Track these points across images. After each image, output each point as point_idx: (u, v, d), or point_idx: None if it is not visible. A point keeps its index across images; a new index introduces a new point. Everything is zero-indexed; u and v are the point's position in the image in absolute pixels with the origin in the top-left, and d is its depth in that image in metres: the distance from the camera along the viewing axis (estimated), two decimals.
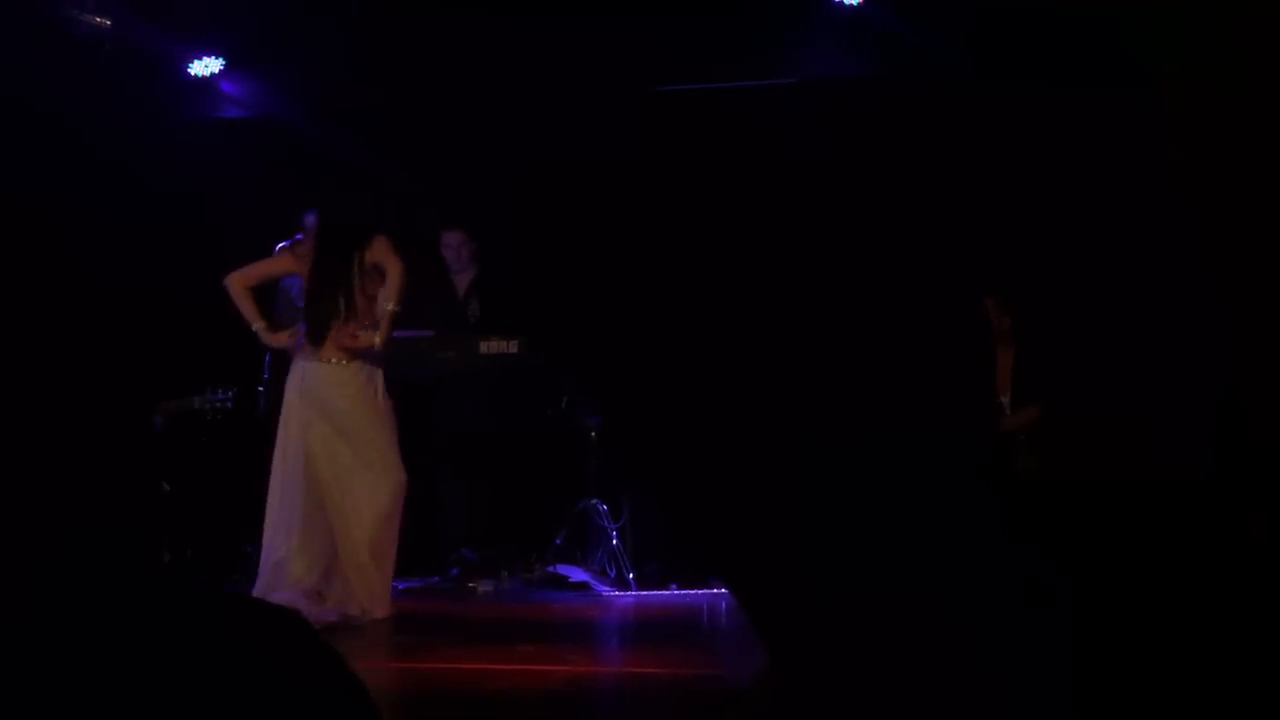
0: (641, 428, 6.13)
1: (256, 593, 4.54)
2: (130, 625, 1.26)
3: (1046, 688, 2.44)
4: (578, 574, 6.10)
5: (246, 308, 4.86)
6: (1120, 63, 4.87)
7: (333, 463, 4.65)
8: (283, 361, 6.10)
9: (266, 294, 6.08)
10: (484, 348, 6.16)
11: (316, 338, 4.73)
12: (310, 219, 5.96)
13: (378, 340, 4.77)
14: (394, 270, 4.79)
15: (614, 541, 6.09)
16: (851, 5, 6.18)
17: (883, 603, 2.95)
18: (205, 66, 6.60)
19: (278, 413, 5.66)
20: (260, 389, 6.14)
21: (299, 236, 5.57)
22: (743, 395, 6.00)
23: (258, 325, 4.89)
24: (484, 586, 6.05)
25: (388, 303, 4.78)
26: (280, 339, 4.95)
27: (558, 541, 6.20)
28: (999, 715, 2.31)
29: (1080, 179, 5.62)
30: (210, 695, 1.25)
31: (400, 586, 5.49)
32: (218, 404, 5.85)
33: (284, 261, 4.96)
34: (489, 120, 6.63)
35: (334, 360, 4.73)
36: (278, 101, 6.71)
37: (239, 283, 4.88)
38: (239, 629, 1.31)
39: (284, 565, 4.55)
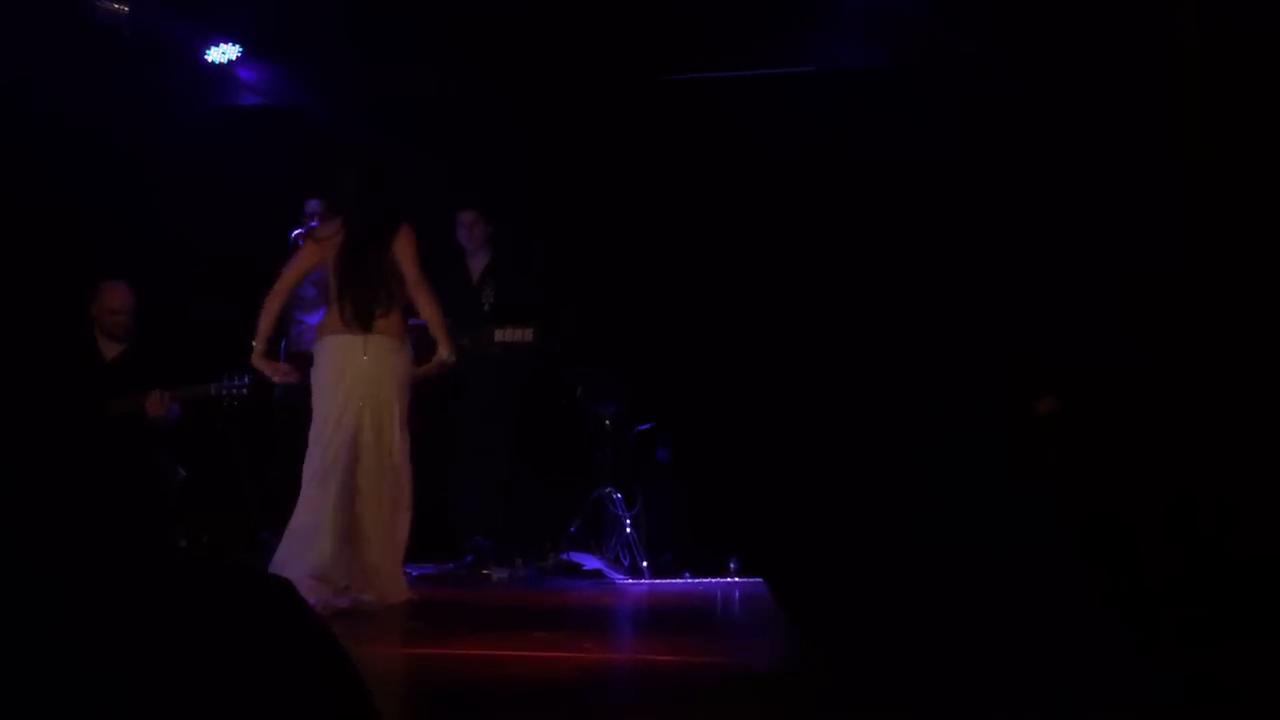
0: (672, 414, 6.13)
1: (275, 562, 4.54)
2: (119, 592, 1.26)
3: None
4: (591, 562, 6.11)
5: (265, 325, 4.84)
6: (1141, 58, 4.85)
7: (373, 441, 4.64)
8: (295, 351, 6.14)
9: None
10: (499, 336, 6.16)
11: (363, 326, 4.71)
12: (313, 204, 5.96)
13: (445, 354, 4.86)
14: (412, 269, 4.77)
15: (628, 530, 6.09)
16: None
17: (909, 588, 2.95)
18: (223, 53, 6.60)
19: (293, 399, 5.70)
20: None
21: (314, 224, 5.58)
22: (767, 383, 5.99)
23: (258, 345, 4.87)
24: (498, 574, 6.06)
25: (429, 311, 4.83)
26: (268, 368, 4.92)
27: (571, 530, 6.21)
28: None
29: (1096, 171, 5.59)
30: (193, 663, 1.25)
31: (414, 573, 5.50)
32: (234, 390, 5.86)
33: (311, 255, 4.93)
34: (505, 107, 6.64)
35: (389, 336, 4.72)
36: (295, 89, 6.72)
37: (278, 299, 4.88)
38: (225, 598, 1.30)
39: (309, 541, 4.54)
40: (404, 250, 4.78)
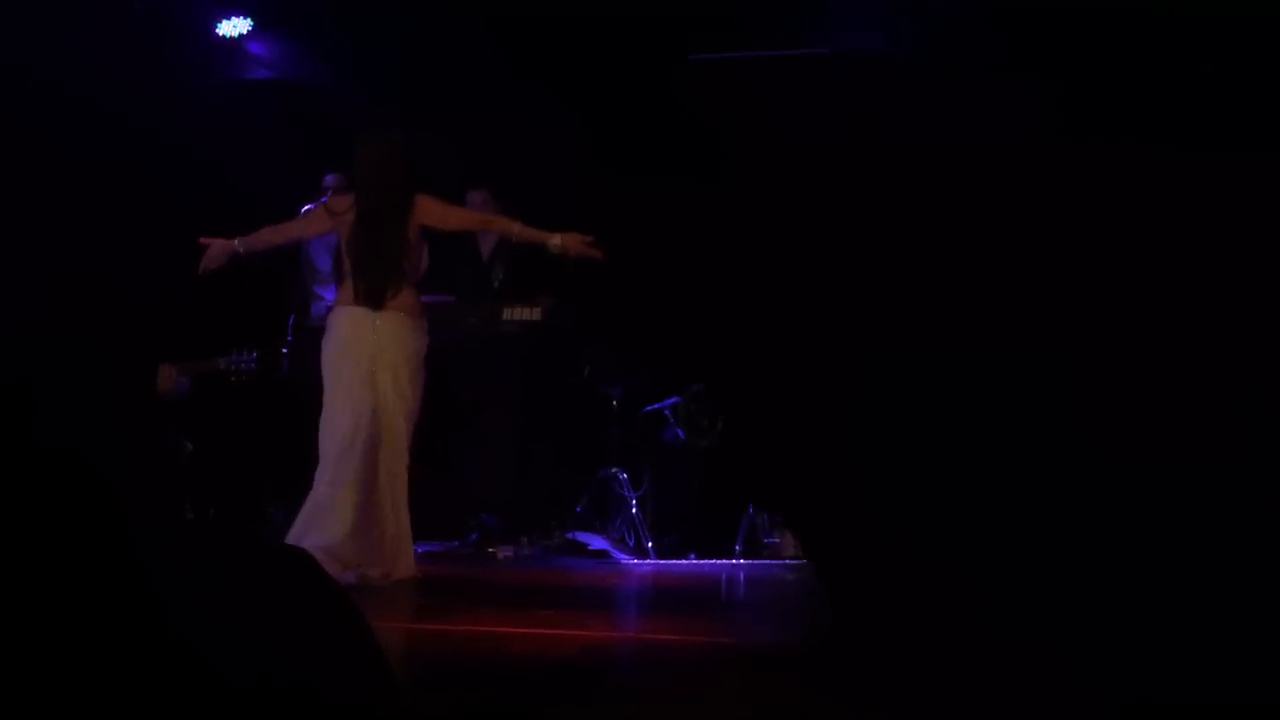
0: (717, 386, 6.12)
1: (290, 535, 4.55)
2: (137, 560, 1.26)
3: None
4: (597, 542, 6.12)
5: (251, 237, 4.83)
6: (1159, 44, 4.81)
7: (385, 415, 4.64)
8: (306, 324, 6.14)
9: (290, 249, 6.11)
10: (507, 314, 6.17)
11: (375, 302, 4.69)
12: (330, 179, 5.96)
13: (555, 241, 4.76)
14: (456, 215, 4.81)
15: (634, 510, 6.10)
16: None
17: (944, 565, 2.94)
18: (234, 27, 6.58)
19: (302, 374, 5.70)
20: (284, 351, 6.18)
21: (325, 199, 5.57)
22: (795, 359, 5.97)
23: (239, 241, 4.83)
24: (503, 552, 6.08)
25: (498, 225, 4.91)
26: (216, 249, 4.84)
27: (578, 509, 6.22)
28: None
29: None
30: (212, 631, 1.25)
31: (420, 550, 5.51)
32: (242, 366, 5.87)
33: (320, 221, 4.92)
34: (519, 84, 6.61)
35: (402, 312, 4.71)
36: (306, 63, 6.70)
37: (275, 236, 4.90)
38: (246, 566, 1.30)
39: (325, 514, 4.55)
40: (431, 213, 4.77)
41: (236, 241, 4.82)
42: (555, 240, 4.77)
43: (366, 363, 4.65)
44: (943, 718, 2.43)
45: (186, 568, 1.32)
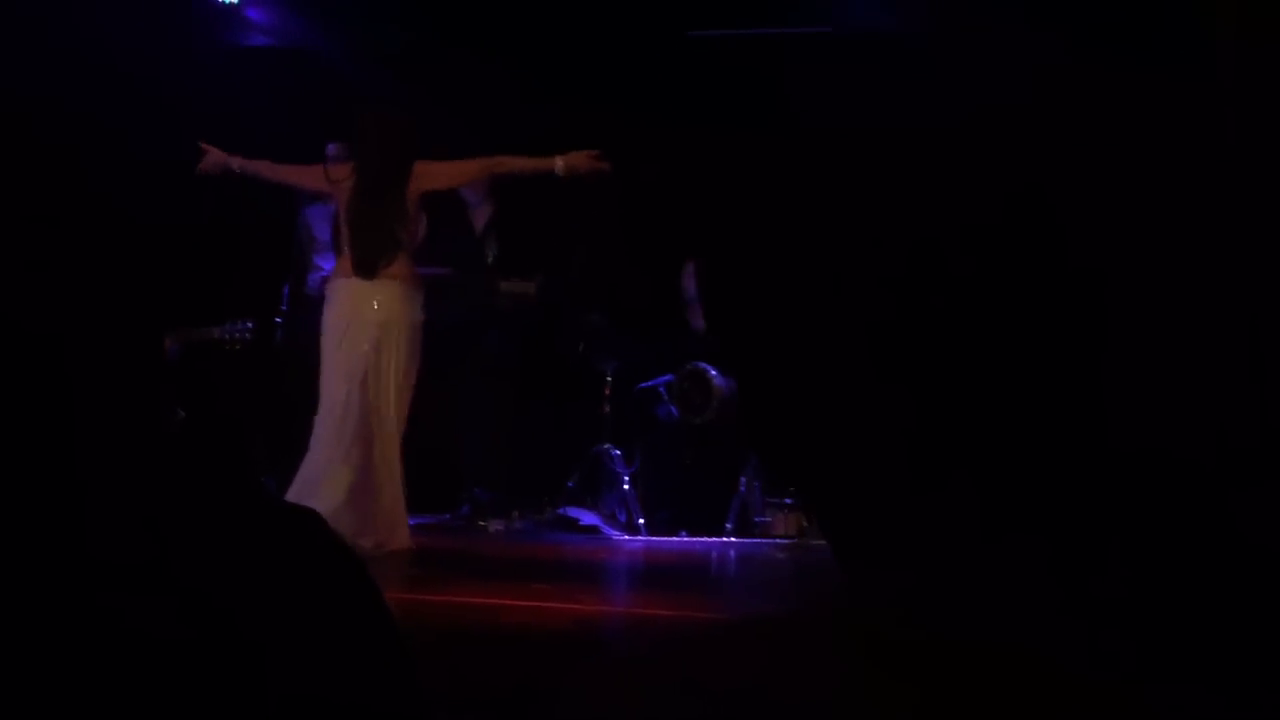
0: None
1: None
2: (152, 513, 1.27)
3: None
4: (588, 517, 6.14)
5: (254, 163, 4.89)
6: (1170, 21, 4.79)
7: (382, 385, 4.65)
8: (302, 293, 6.13)
9: (287, 218, 6.08)
10: (502, 289, 6.16)
11: (369, 272, 4.70)
12: (332, 149, 5.93)
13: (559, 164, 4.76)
14: (457, 170, 4.84)
15: (625, 487, 6.11)
16: None
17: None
18: None
19: (297, 344, 5.69)
20: (278, 320, 6.16)
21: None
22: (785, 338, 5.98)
23: (238, 161, 4.88)
24: (495, 525, 6.09)
25: (504, 166, 4.88)
26: (216, 156, 4.89)
27: (570, 484, 6.23)
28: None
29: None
30: (223, 587, 1.25)
31: (411, 522, 5.51)
32: (237, 335, 5.86)
33: (315, 178, 4.92)
34: (517, 58, 6.57)
35: (399, 281, 4.71)
36: (306, 30, 6.65)
37: (267, 167, 4.93)
38: (258, 526, 1.30)
39: (319, 485, 4.56)
40: (432, 176, 4.80)
41: (235, 159, 4.85)
42: (559, 164, 4.78)
43: (365, 334, 4.66)
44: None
45: (192, 525, 1.32)
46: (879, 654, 2.38)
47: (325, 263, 5.96)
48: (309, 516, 1.33)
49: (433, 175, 4.80)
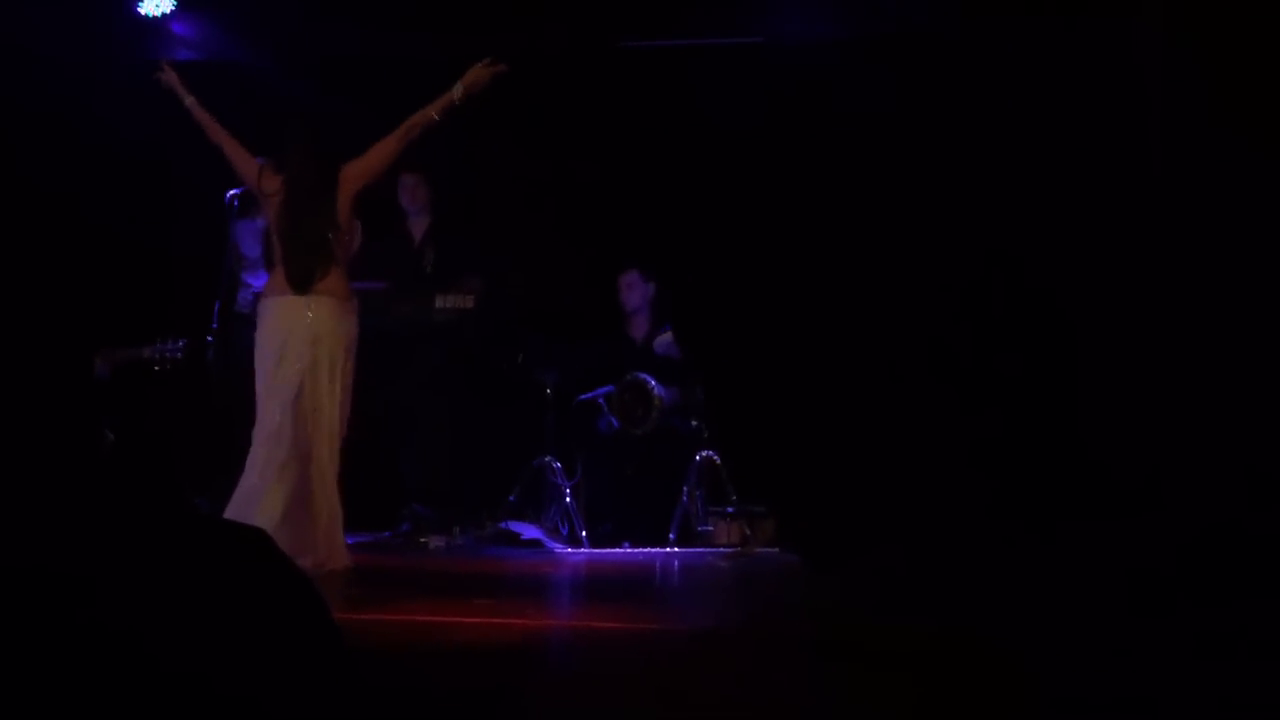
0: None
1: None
2: (100, 539, 1.22)
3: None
4: (530, 531, 6.08)
5: (204, 112, 4.85)
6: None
7: (318, 403, 4.57)
8: (232, 311, 6.01)
9: (216, 236, 5.97)
10: (439, 302, 6.10)
11: (302, 286, 4.62)
12: (260, 162, 5.83)
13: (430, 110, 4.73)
14: (376, 155, 4.76)
15: (567, 500, 6.07)
16: None
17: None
18: (156, 6, 6.41)
19: (227, 363, 5.58)
20: (209, 339, 6.03)
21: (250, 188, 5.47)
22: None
23: (192, 100, 4.86)
24: (435, 542, 6.01)
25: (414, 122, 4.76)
26: (174, 79, 4.87)
27: (511, 498, 6.17)
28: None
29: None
30: (175, 610, 1.21)
31: (350, 541, 5.42)
32: (167, 354, 5.75)
33: (249, 169, 4.83)
34: (451, 69, 6.52)
35: (332, 297, 4.64)
36: (230, 44, 6.55)
37: (213, 124, 4.87)
38: (207, 545, 1.26)
39: (254, 505, 4.48)
40: (358, 173, 4.73)
41: (190, 97, 4.88)
42: (457, 90, 4.75)
43: (299, 353, 4.59)
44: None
45: (138, 549, 1.28)
46: (836, 660, 2.38)
47: (255, 280, 5.87)
48: (253, 534, 1.29)
49: (359, 171, 4.74)
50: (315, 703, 1.23)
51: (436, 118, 4.79)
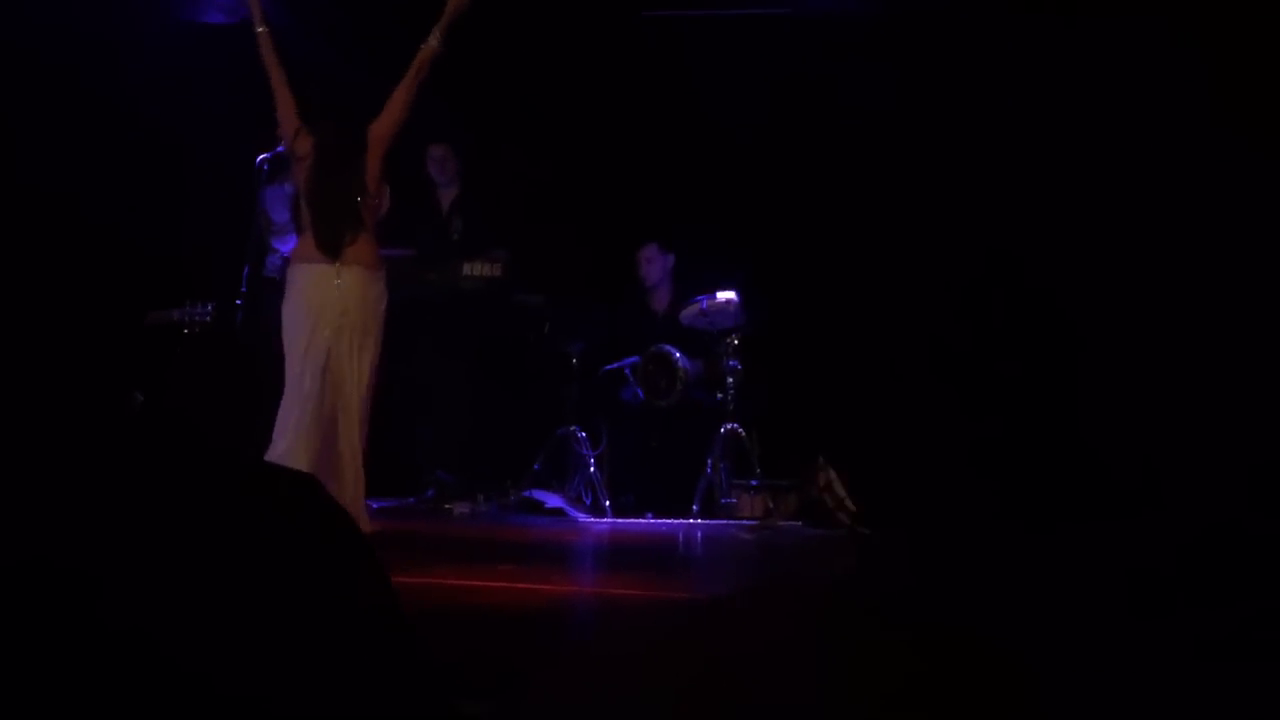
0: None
1: None
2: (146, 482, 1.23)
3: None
4: (553, 500, 6.11)
5: (271, 44, 4.77)
6: None
7: (349, 373, 4.58)
8: (260, 276, 6.03)
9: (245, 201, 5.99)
10: (467, 270, 6.11)
11: (332, 252, 4.59)
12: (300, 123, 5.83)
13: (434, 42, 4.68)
14: (395, 103, 4.70)
15: (591, 469, 6.09)
16: None
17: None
18: None
19: (255, 327, 5.61)
20: (238, 303, 6.07)
21: (280, 149, 5.48)
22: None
23: (265, 28, 4.79)
24: (459, 509, 6.05)
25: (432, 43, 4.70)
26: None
27: (535, 467, 6.20)
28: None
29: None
30: (224, 550, 1.22)
31: (375, 506, 5.47)
32: (196, 318, 5.78)
33: (292, 122, 4.73)
34: (482, 39, 6.51)
35: (362, 266, 4.60)
36: (267, 8, 6.54)
37: (274, 58, 4.78)
38: (253, 491, 1.27)
39: (283, 465, 4.50)
40: (383, 127, 4.69)
41: (264, 28, 4.79)
42: (449, 9, 4.71)
43: (328, 322, 4.58)
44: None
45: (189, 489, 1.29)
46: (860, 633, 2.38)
47: (283, 245, 5.89)
48: (303, 478, 1.30)
49: (384, 128, 4.68)
50: (370, 670, 1.24)
51: (439, 48, 4.75)
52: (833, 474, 5.48)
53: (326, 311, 4.59)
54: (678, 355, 6.13)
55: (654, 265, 6.46)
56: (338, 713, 1.20)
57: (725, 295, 5.98)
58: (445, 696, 1.60)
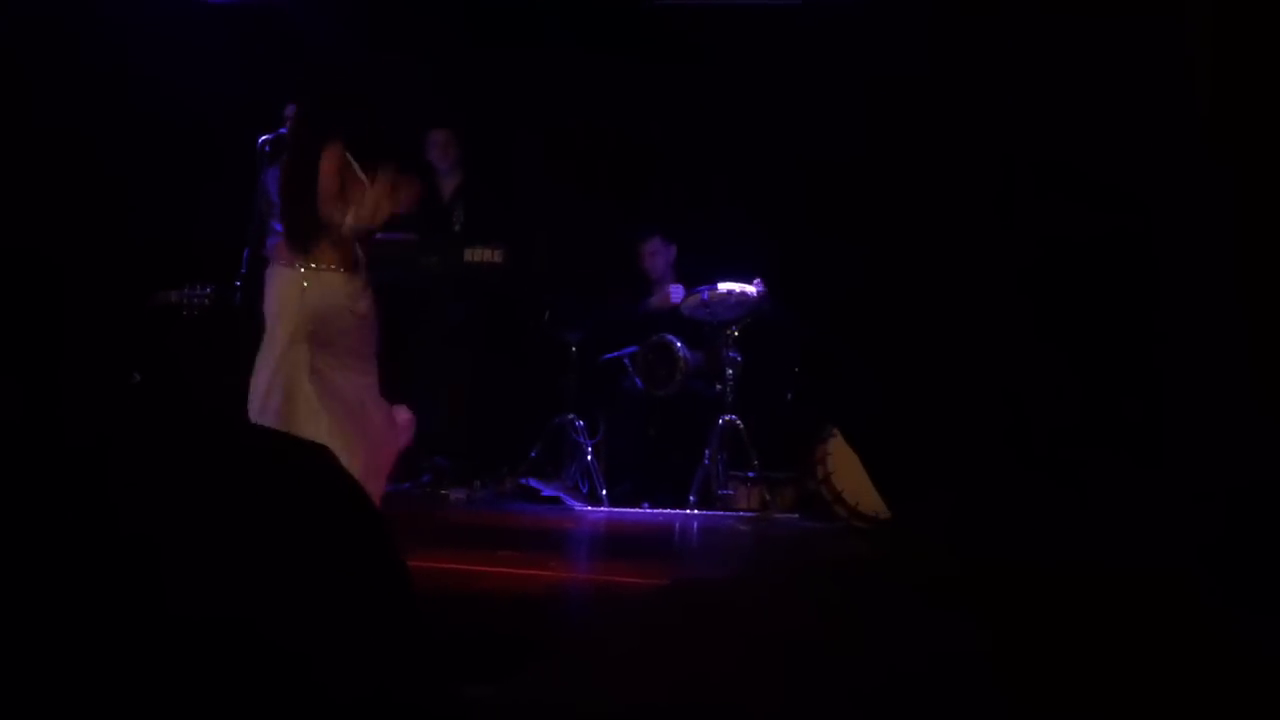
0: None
1: None
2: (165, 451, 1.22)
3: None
4: (550, 488, 6.11)
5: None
6: None
7: (338, 363, 4.24)
8: (261, 258, 6.01)
9: (247, 186, 5.97)
10: (468, 255, 6.09)
11: (300, 246, 4.24)
12: (292, 109, 5.79)
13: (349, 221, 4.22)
14: (323, 189, 4.26)
15: (588, 458, 6.08)
16: None
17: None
18: None
19: (254, 308, 5.58)
20: (237, 284, 6.05)
21: (283, 130, 5.46)
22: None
23: None
24: (456, 494, 6.04)
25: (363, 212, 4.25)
26: None
27: (532, 454, 6.19)
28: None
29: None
30: (235, 518, 1.21)
31: None
32: (195, 300, 5.77)
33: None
34: (488, 25, 6.49)
35: (330, 271, 4.24)
36: None
37: None
38: (268, 456, 1.26)
39: None
40: (322, 167, 4.24)
41: None
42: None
43: (293, 330, 4.22)
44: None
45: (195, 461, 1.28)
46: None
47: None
48: (315, 448, 1.29)
49: (322, 167, 4.25)
50: (382, 651, 1.22)
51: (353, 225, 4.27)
52: (832, 450, 5.45)
53: (296, 322, 4.23)
54: (679, 345, 6.12)
55: (658, 258, 6.46)
56: (347, 686, 1.19)
57: (727, 286, 5.96)
58: (448, 679, 1.59)
